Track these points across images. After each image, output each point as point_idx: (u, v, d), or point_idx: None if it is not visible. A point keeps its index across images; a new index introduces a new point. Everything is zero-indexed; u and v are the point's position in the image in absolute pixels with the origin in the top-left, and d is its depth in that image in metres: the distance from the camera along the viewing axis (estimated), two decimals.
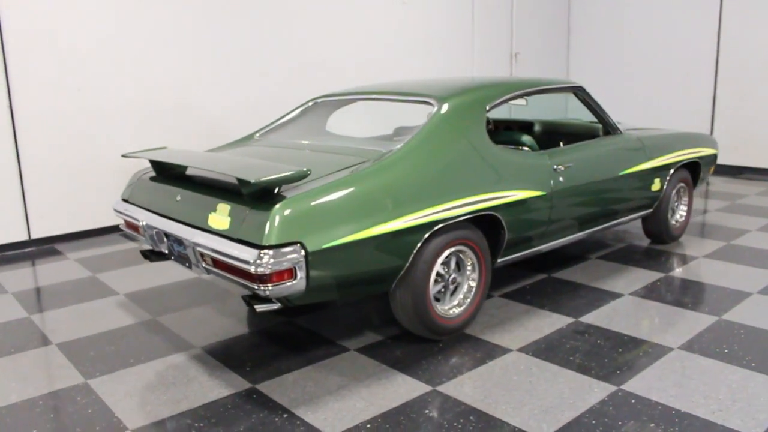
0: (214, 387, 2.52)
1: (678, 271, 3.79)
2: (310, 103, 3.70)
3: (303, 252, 2.26)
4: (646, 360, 2.66)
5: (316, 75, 5.91)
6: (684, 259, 4.02)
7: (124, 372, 2.66)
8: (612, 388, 2.44)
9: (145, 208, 2.93)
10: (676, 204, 4.38)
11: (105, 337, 3.02)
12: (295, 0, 5.66)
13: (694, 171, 4.45)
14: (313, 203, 2.34)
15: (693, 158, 4.26)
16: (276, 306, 2.41)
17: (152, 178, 3.03)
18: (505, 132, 3.52)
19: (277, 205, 2.28)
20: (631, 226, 4.85)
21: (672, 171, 4.09)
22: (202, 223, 2.52)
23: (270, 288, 2.24)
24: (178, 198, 2.73)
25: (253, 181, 2.24)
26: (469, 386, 2.48)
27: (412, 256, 2.60)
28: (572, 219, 3.41)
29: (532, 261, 4.05)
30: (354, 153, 2.83)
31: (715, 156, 4.59)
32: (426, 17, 6.79)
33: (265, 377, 2.59)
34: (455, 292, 2.95)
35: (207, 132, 5.22)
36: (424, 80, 3.55)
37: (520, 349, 2.80)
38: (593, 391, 2.42)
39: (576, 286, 3.58)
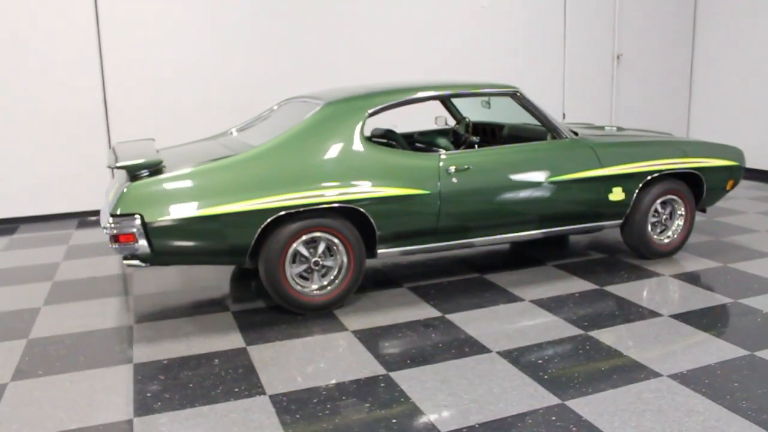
0: (107, 321, 3.27)
1: (615, 287, 3.55)
2: (275, 107, 4.26)
3: (140, 222, 2.89)
4: (450, 357, 2.75)
5: (384, 75, 6.39)
6: (642, 275, 3.72)
7: (71, 304, 3.55)
8: (381, 372, 2.63)
9: None
10: (666, 218, 4.00)
11: (88, 281, 3.97)
12: (366, 2, 6.21)
13: (698, 184, 4.02)
14: (156, 184, 2.95)
15: (683, 169, 3.87)
16: (142, 264, 3.08)
17: None
18: (428, 134, 3.70)
19: (129, 185, 2.94)
20: None
21: (648, 179, 3.79)
22: (110, 197, 3.29)
23: (119, 246, 2.91)
24: (114, 177, 3.54)
25: (108, 165, 2.93)
26: (272, 350, 2.87)
27: (255, 236, 3.06)
28: (481, 221, 3.46)
29: (473, 260, 4.10)
30: (236, 147, 3.35)
31: (734, 168, 4.05)
32: (507, 17, 6.79)
33: (147, 319, 3.27)
34: (326, 274, 3.31)
35: None
36: (346, 87, 3.84)
37: (354, 331, 3.06)
38: (361, 372, 2.63)
39: (491, 287, 3.61)
